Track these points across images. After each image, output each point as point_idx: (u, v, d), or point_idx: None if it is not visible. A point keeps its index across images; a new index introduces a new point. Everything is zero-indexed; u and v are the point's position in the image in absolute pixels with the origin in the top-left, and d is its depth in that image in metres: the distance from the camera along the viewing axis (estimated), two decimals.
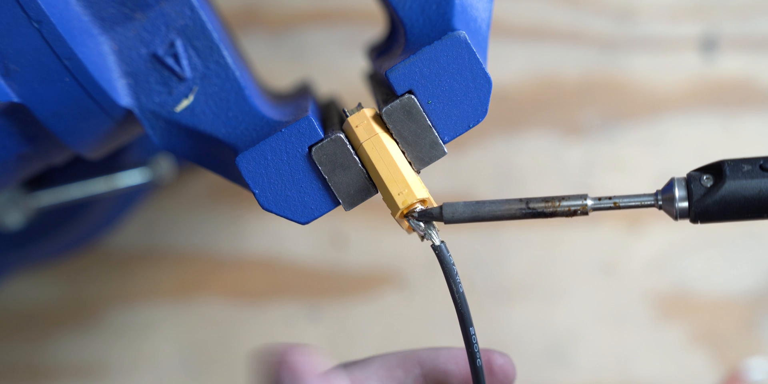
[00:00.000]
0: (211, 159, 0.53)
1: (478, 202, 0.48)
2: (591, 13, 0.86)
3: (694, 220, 0.49)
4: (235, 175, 0.51)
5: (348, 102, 0.69)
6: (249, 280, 0.86)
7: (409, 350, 0.51)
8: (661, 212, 0.49)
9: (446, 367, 0.50)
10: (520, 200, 0.48)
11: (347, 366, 0.50)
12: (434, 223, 0.48)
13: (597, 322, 0.85)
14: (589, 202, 0.48)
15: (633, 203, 0.49)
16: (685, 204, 0.48)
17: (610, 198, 0.49)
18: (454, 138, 0.50)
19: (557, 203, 0.48)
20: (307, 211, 0.50)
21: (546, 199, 0.48)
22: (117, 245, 0.86)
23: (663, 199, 0.49)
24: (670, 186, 0.48)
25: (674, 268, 0.86)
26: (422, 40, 0.50)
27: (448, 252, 0.47)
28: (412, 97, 0.49)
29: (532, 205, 0.48)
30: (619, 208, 0.49)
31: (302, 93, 0.64)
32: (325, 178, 0.49)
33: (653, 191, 0.49)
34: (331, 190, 0.49)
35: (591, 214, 0.49)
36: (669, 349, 0.85)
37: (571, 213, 0.48)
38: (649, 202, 0.49)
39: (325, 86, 0.80)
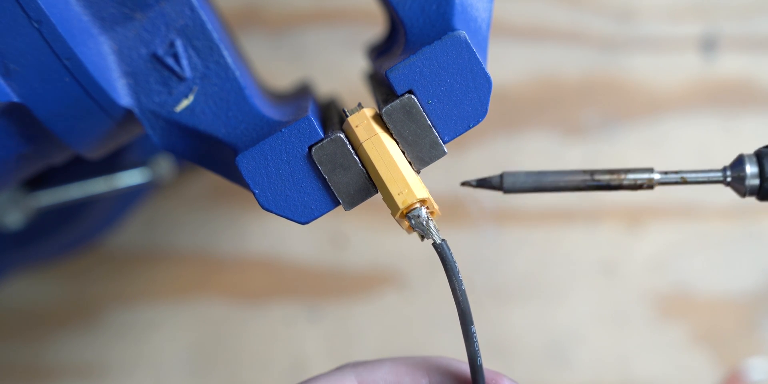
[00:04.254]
0: (211, 159, 0.53)
1: (540, 172, 0.47)
2: (591, 13, 0.86)
3: (762, 198, 0.47)
4: (235, 175, 0.51)
5: (348, 102, 0.69)
6: (249, 280, 0.86)
7: (420, 357, 0.50)
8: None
9: (455, 382, 0.50)
10: (584, 171, 0.47)
11: (356, 366, 0.50)
12: (434, 221, 0.48)
13: (597, 322, 0.85)
14: (656, 176, 0.47)
15: (700, 179, 0.47)
16: (756, 181, 0.47)
17: (677, 172, 0.47)
18: (454, 138, 0.50)
19: (623, 176, 0.47)
20: (307, 211, 0.50)
21: (611, 171, 0.47)
22: (117, 245, 0.86)
23: (732, 176, 0.47)
24: (740, 162, 0.47)
25: (674, 268, 0.86)
26: (422, 40, 0.50)
27: (449, 250, 0.47)
28: (412, 97, 0.49)
29: (597, 177, 0.47)
30: (686, 183, 0.47)
31: (302, 93, 0.64)
32: (325, 178, 0.49)
33: (720, 167, 0.48)
34: (331, 190, 0.49)
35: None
36: (669, 349, 0.85)
37: (636, 186, 0.47)
38: (717, 178, 0.47)
39: (325, 86, 0.80)
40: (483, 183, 0.47)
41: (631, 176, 0.47)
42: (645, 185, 0.47)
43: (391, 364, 0.50)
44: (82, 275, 0.86)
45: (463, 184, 0.47)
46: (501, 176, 0.46)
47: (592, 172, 0.47)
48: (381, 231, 0.85)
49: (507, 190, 0.46)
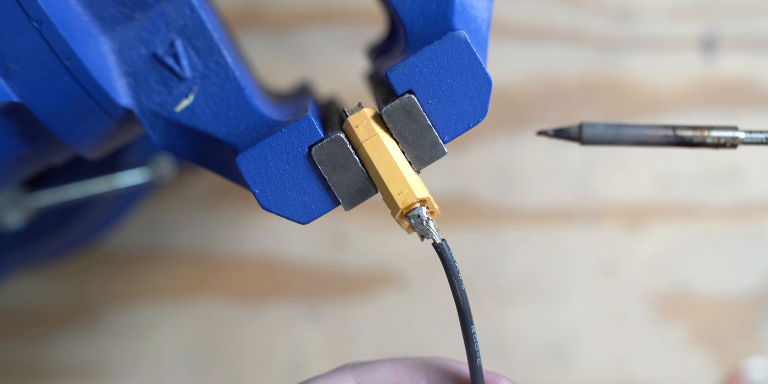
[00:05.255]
0: (211, 159, 0.53)
1: (620, 125, 0.45)
2: (591, 13, 0.86)
3: None
4: (235, 175, 0.51)
5: (348, 102, 0.69)
6: (249, 280, 0.86)
7: (419, 358, 0.50)
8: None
9: (454, 383, 0.50)
10: (666, 126, 0.45)
11: (355, 367, 0.50)
12: (434, 221, 0.48)
13: (597, 322, 0.85)
14: (741, 135, 0.45)
15: None
16: None
17: (761, 132, 0.45)
18: (454, 138, 0.50)
19: (706, 133, 0.45)
20: (307, 211, 0.50)
21: (694, 128, 0.45)
22: (117, 245, 0.86)
23: None
24: None
25: (674, 268, 0.86)
26: (422, 39, 0.50)
27: (449, 250, 0.47)
28: (412, 96, 0.49)
29: (679, 133, 0.45)
30: None
31: (302, 93, 0.64)
32: (325, 178, 0.49)
33: None
34: (331, 190, 0.49)
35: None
36: (669, 349, 0.85)
37: (719, 144, 0.45)
38: None
39: (325, 86, 0.80)
40: (561, 133, 0.45)
41: (714, 134, 0.45)
42: (728, 144, 0.45)
43: (390, 364, 0.50)
44: (82, 275, 0.86)
45: (539, 133, 0.45)
46: (580, 127, 0.45)
47: (674, 128, 0.45)
48: (381, 231, 0.85)
49: (585, 141, 0.45)
